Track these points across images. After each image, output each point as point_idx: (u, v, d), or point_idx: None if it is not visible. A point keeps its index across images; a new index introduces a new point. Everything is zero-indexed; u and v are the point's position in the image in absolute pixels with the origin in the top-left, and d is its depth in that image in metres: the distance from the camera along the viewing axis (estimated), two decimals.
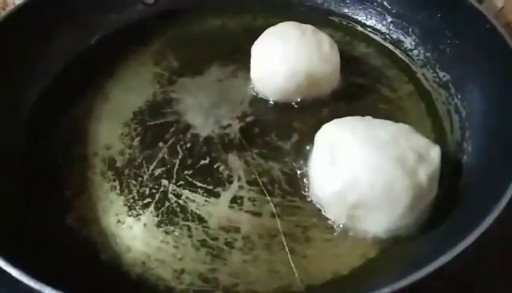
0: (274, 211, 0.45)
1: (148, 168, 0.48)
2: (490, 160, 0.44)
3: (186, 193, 0.46)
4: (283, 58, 0.52)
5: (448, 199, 0.43)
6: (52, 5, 0.58)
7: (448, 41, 0.55)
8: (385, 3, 0.63)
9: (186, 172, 0.48)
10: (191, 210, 0.45)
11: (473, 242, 0.35)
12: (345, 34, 0.63)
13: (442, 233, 0.41)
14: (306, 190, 0.46)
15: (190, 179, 0.47)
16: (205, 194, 0.46)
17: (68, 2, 0.60)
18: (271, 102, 0.54)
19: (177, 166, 0.48)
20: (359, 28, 0.64)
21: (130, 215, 0.45)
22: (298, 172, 0.47)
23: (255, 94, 0.55)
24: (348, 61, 0.56)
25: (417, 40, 0.60)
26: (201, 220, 0.44)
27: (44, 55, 0.57)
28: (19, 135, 0.51)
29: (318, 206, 0.44)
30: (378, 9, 0.63)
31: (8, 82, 0.52)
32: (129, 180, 0.48)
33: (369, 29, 0.63)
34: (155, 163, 0.49)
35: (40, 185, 0.47)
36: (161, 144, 0.50)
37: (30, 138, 0.51)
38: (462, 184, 0.45)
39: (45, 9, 0.57)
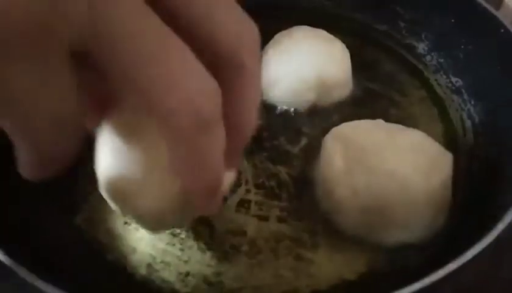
0: (281, 215, 0.44)
1: None
2: (504, 167, 0.43)
3: None
4: (292, 63, 0.52)
5: (459, 207, 0.43)
6: None
7: (462, 47, 0.54)
8: (398, 8, 0.62)
9: None
10: None
11: (485, 249, 0.34)
12: (357, 39, 0.62)
13: (453, 241, 0.40)
14: (314, 194, 0.45)
15: None
16: None
17: None
18: (280, 106, 0.54)
19: None
20: (372, 33, 0.63)
21: None
22: (307, 176, 0.47)
23: (265, 98, 0.55)
24: (359, 67, 0.56)
25: (430, 45, 0.59)
26: (207, 223, 0.44)
27: None
28: None
29: (326, 210, 0.44)
30: (391, 14, 0.63)
31: None
32: None
33: (381, 34, 0.63)
34: None
35: (50, 185, 0.48)
36: None
37: None
38: (474, 191, 0.44)
39: None
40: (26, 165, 0.24)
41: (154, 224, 0.33)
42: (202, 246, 0.42)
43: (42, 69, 0.20)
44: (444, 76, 0.56)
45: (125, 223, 0.45)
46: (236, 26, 0.24)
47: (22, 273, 0.34)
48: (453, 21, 0.56)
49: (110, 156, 0.29)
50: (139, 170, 0.29)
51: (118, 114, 0.29)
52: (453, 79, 0.55)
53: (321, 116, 0.52)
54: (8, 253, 0.35)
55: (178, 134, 0.23)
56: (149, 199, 0.29)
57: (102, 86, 0.27)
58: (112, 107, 0.29)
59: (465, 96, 0.53)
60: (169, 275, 0.41)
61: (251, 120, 0.27)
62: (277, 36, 0.56)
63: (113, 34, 0.21)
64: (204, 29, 0.23)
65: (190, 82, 0.22)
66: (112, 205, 0.31)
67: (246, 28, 0.25)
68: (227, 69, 0.24)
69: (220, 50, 0.24)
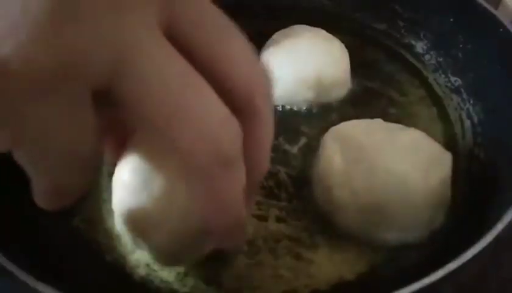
0: (280, 215, 0.44)
1: None
2: (503, 167, 0.43)
3: None
4: (291, 62, 0.52)
5: (458, 207, 0.42)
6: None
7: (461, 46, 0.54)
8: (397, 7, 0.62)
9: None
10: None
11: (485, 248, 0.34)
12: (356, 38, 0.62)
13: (453, 240, 0.40)
14: (313, 194, 0.45)
15: None
16: None
17: None
18: (279, 105, 0.54)
19: None
20: (370, 32, 0.63)
21: None
22: (306, 176, 0.47)
23: None
24: (358, 66, 0.56)
25: (429, 45, 0.59)
26: None
27: None
28: None
29: (325, 210, 0.44)
30: (390, 14, 0.63)
31: None
32: None
33: (380, 33, 0.63)
34: None
35: None
36: None
37: None
38: (474, 191, 0.44)
39: None
40: (42, 195, 0.25)
41: (168, 259, 0.33)
42: None
43: (64, 109, 0.21)
44: (443, 75, 0.56)
45: None
46: (252, 72, 0.25)
47: (21, 274, 0.34)
48: (452, 20, 0.56)
49: (127, 191, 0.29)
50: (156, 206, 0.29)
51: (137, 151, 0.29)
52: (452, 79, 0.55)
53: (320, 116, 0.52)
54: (6, 255, 0.35)
55: (197, 172, 0.23)
56: (165, 236, 0.29)
57: (122, 123, 0.28)
58: (131, 143, 0.29)
59: (465, 96, 0.53)
60: (167, 275, 0.41)
61: (265, 160, 0.28)
62: (276, 35, 0.55)
63: (137, 74, 0.21)
64: (223, 72, 0.24)
65: (211, 121, 0.22)
66: (129, 236, 0.31)
67: (260, 73, 0.26)
68: (243, 113, 0.25)
69: (237, 94, 0.24)
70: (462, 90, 0.53)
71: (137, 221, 0.30)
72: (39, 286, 0.33)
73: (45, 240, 0.42)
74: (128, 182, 0.29)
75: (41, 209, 0.44)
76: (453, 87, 0.55)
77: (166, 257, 0.33)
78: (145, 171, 0.29)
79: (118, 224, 0.31)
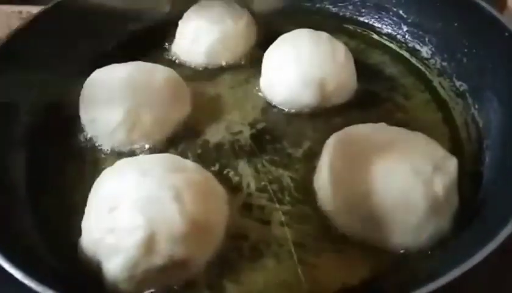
0: (283, 219, 0.44)
1: None
2: (508, 171, 0.43)
3: None
4: (295, 66, 0.52)
5: (465, 211, 0.42)
6: (72, 12, 0.59)
7: (465, 50, 0.54)
8: (401, 12, 0.62)
9: None
10: None
11: (492, 252, 0.34)
12: (360, 42, 0.62)
13: (459, 246, 0.39)
14: (317, 198, 0.45)
15: None
16: None
17: (88, 10, 0.61)
18: (283, 109, 0.53)
19: None
20: (375, 36, 0.63)
21: None
22: (309, 180, 0.46)
23: (267, 101, 0.55)
24: (363, 70, 0.56)
25: (433, 49, 0.59)
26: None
27: (61, 59, 0.57)
28: (35, 139, 0.51)
29: (328, 215, 0.43)
30: (394, 18, 0.63)
31: (27, 84, 0.53)
32: None
33: (384, 37, 0.63)
34: None
35: (53, 188, 0.48)
36: (172, 150, 0.50)
37: (45, 142, 0.51)
38: (480, 195, 0.44)
39: (64, 15, 0.58)
40: None
41: None
42: None
43: None
44: (448, 79, 0.56)
45: None
46: None
47: (24, 279, 0.34)
48: (456, 24, 0.56)
49: None
50: None
51: None
52: (457, 83, 0.55)
53: (324, 119, 0.52)
54: (12, 261, 0.35)
55: None
56: None
57: None
58: None
59: (470, 100, 0.53)
60: None
61: None
62: (280, 39, 0.55)
63: None
64: None
65: None
66: None
67: None
68: None
69: None
70: (468, 95, 0.53)
71: None
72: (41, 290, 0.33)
73: (52, 244, 0.42)
74: None
75: (51, 213, 0.44)
76: (458, 91, 0.54)
77: None
78: None
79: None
